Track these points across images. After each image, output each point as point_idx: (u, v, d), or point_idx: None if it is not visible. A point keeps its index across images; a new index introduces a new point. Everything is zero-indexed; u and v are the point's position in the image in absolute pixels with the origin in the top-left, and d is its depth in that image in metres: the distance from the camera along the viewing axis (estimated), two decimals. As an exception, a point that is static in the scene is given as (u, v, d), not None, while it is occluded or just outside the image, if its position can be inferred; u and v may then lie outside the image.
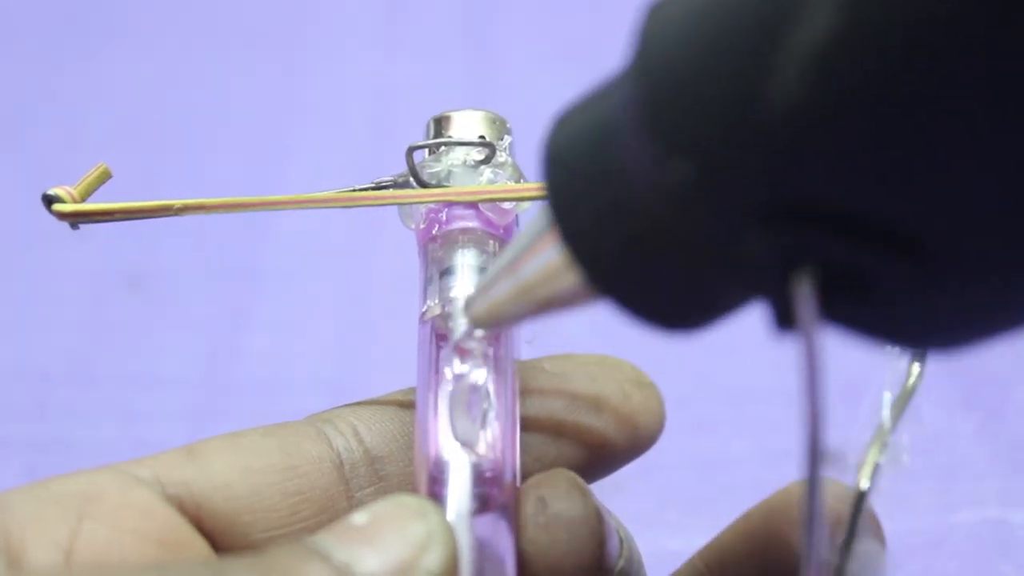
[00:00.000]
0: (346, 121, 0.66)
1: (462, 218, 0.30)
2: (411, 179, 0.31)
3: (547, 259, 0.23)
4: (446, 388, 0.28)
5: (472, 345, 0.28)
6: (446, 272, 0.30)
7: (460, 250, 0.30)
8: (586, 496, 0.27)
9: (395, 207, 0.31)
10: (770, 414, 0.49)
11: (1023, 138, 0.16)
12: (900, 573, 0.43)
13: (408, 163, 0.31)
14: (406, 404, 0.30)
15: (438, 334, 0.29)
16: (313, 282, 0.58)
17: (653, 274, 0.21)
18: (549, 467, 0.28)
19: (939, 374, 0.52)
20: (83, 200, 0.29)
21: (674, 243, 0.20)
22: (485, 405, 0.27)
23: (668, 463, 0.48)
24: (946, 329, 0.19)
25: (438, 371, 0.28)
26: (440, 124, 0.31)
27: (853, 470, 0.23)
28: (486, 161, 0.31)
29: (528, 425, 0.30)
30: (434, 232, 0.30)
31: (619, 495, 0.39)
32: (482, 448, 0.27)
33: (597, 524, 0.27)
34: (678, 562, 0.31)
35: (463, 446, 0.27)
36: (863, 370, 0.24)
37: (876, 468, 0.23)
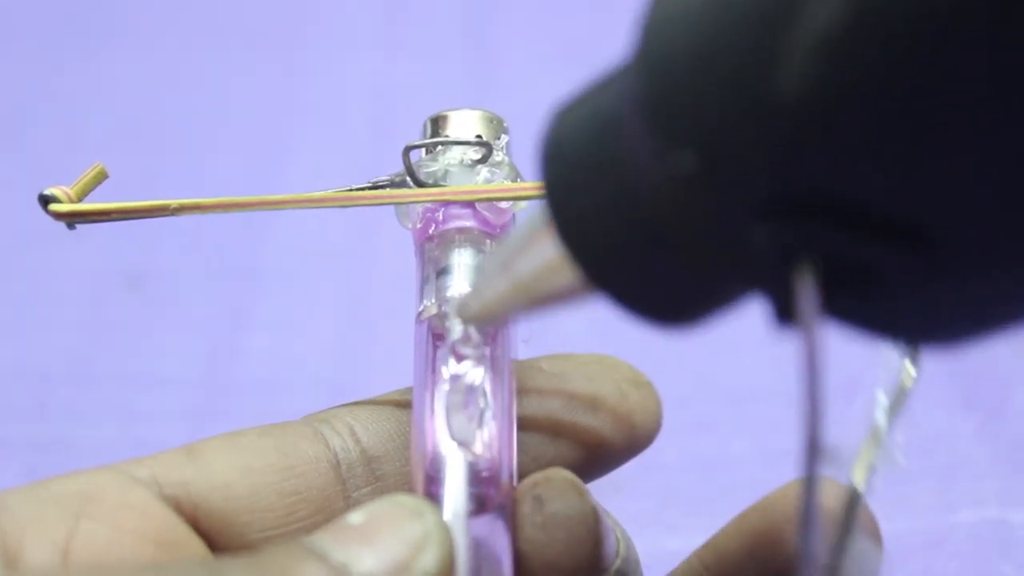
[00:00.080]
0: (346, 121, 0.66)
1: (459, 217, 0.30)
2: (408, 179, 0.31)
3: (543, 255, 0.23)
4: (442, 388, 0.28)
5: (469, 345, 0.28)
6: (443, 272, 0.30)
7: (457, 249, 0.30)
8: (583, 495, 0.27)
9: (392, 207, 0.31)
10: (770, 414, 0.49)
11: None
12: (900, 573, 0.43)
13: (405, 162, 0.31)
14: (403, 404, 0.30)
15: (435, 334, 0.29)
16: (313, 282, 0.58)
17: (652, 269, 0.21)
18: (546, 467, 0.28)
19: (939, 374, 0.52)
20: (80, 200, 0.29)
21: (674, 237, 0.20)
22: (482, 404, 0.27)
23: (667, 463, 0.48)
24: (948, 324, 0.19)
25: (435, 371, 0.28)
26: (437, 123, 0.32)
27: (849, 467, 0.23)
28: (483, 160, 0.31)
29: (525, 424, 0.30)
30: (431, 232, 0.30)
31: (618, 495, 0.39)
32: (479, 448, 0.27)
33: (594, 523, 0.27)
34: (677, 562, 0.31)
35: (459, 445, 0.27)
36: (861, 368, 0.24)
37: (871, 467, 0.23)
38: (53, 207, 0.29)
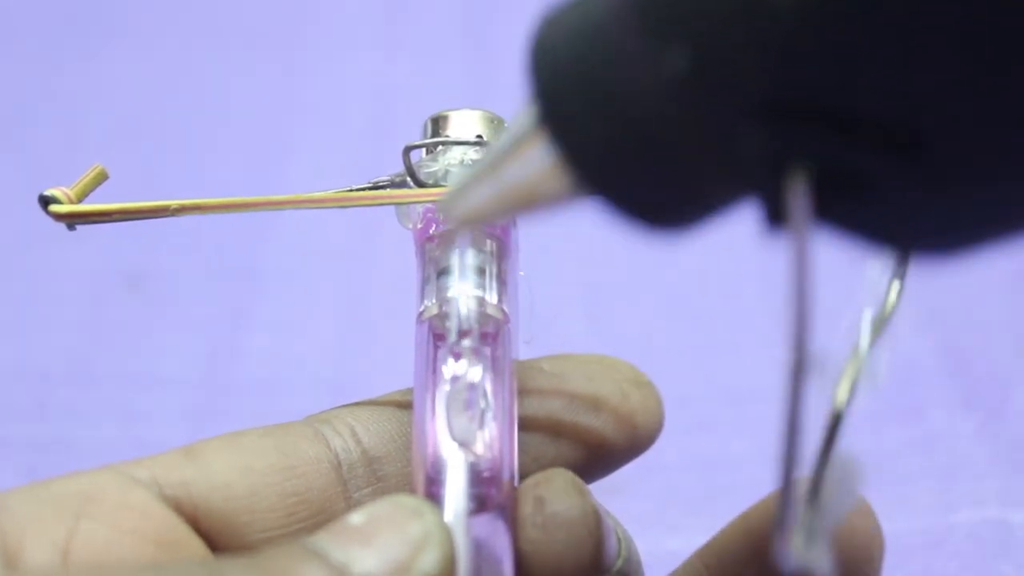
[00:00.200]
0: (346, 121, 0.66)
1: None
2: (408, 179, 0.31)
3: (533, 161, 0.22)
4: (443, 388, 0.28)
5: (468, 346, 0.28)
6: (443, 272, 0.30)
7: (457, 250, 0.30)
8: (584, 496, 0.27)
9: (393, 207, 0.31)
10: (770, 414, 0.49)
11: (1017, 35, 0.16)
12: (900, 573, 0.43)
13: (405, 163, 0.31)
14: (404, 404, 0.30)
15: (435, 334, 0.29)
16: (313, 282, 0.58)
17: (645, 171, 0.21)
18: (547, 467, 0.28)
19: (939, 374, 0.52)
20: (80, 201, 0.29)
21: (667, 137, 0.20)
22: (483, 405, 0.27)
23: (668, 463, 0.48)
24: (936, 233, 0.19)
25: (435, 371, 0.28)
26: (437, 124, 0.32)
27: (834, 378, 0.23)
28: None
29: (526, 425, 0.30)
30: (431, 232, 0.30)
31: (619, 496, 0.39)
32: (479, 448, 0.27)
33: (595, 524, 0.27)
34: (678, 562, 0.31)
35: (460, 446, 0.27)
36: (847, 289, 0.24)
37: (853, 386, 0.23)
38: (53, 208, 0.29)
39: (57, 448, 0.49)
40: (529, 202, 0.23)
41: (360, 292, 0.57)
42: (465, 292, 0.29)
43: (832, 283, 0.21)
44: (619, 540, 0.29)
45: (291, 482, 0.28)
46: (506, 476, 0.27)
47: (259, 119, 0.67)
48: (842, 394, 0.23)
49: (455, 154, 0.31)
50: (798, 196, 0.18)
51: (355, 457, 0.29)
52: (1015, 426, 0.50)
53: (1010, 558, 0.44)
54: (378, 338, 0.54)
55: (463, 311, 0.29)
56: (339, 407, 0.30)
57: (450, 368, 0.28)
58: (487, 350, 0.28)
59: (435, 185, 0.31)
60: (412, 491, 0.27)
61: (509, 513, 0.27)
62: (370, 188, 0.31)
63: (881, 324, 0.24)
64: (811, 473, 0.22)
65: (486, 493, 0.27)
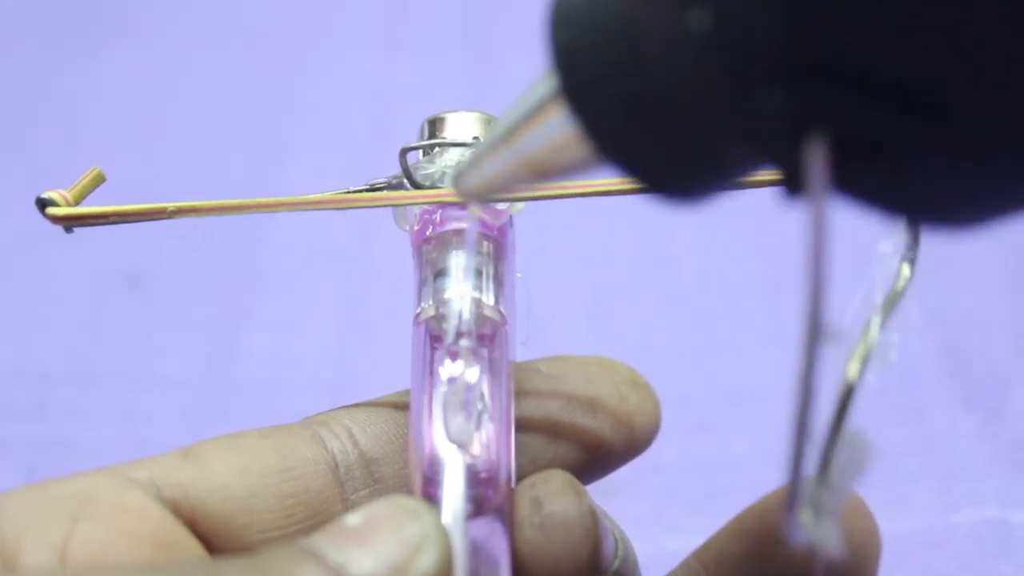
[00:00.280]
0: (346, 121, 0.66)
1: (456, 219, 0.30)
2: (405, 181, 0.31)
3: (552, 130, 0.22)
4: (440, 389, 0.28)
5: (465, 347, 0.28)
6: (440, 273, 0.30)
7: (454, 251, 0.30)
8: (581, 497, 0.27)
9: (390, 209, 0.31)
10: (770, 414, 0.49)
11: None
12: (900, 573, 0.43)
13: (402, 165, 0.31)
14: (401, 406, 0.30)
15: (432, 335, 0.29)
16: (313, 282, 0.58)
17: (665, 137, 0.20)
18: (545, 468, 0.28)
19: (939, 374, 0.52)
20: (77, 203, 0.29)
21: (688, 102, 0.20)
22: (479, 406, 0.27)
23: (667, 463, 0.48)
24: (956, 200, 0.19)
25: (432, 372, 0.28)
26: (434, 125, 0.32)
27: (847, 347, 0.23)
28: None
29: (524, 426, 0.30)
30: (428, 233, 0.30)
31: (617, 497, 0.39)
32: (476, 449, 0.27)
33: (592, 525, 0.27)
34: (676, 563, 0.31)
35: (457, 447, 0.27)
36: (861, 265, 0.24)
37: (864, 362, 0.23)
38: (51, 211, 0.29)
39: (57, 448, 0.49)
40: (546, 172, 0.23)
41: (360, 292, 0.57)
42: (462, 294, 0.29)
43: (847, 257, 0.21)
44: (616, 541, 0.29)
45: (289, 484, 0.28)
46: (503, 477, 0.27)
47: (259, 119, 0.67)
48: (853, 369, 0.23)
49: (452, 156, 0.31)
50: (817, 160, 0.18)
51: (352, 459, 0.29)
52: (1015, 426, 0.50)
53: (1010, 558, 0.44)
54: (378, 338, 0.54)
55: (460, 313, 0.29)
56: (336, 409, 0.30)
57: (447, 369, 0.28)
58: (484, 351, 0.28)
59: (432, 187, 0.31)
60: (409, 492, 0.27)
61: (506, 514, 0.27)
62: (367, 190, 0.31)
63: (892, 303, 0.24)
64: (820, 450, 0.22)
65: (483, 494, 0.27)
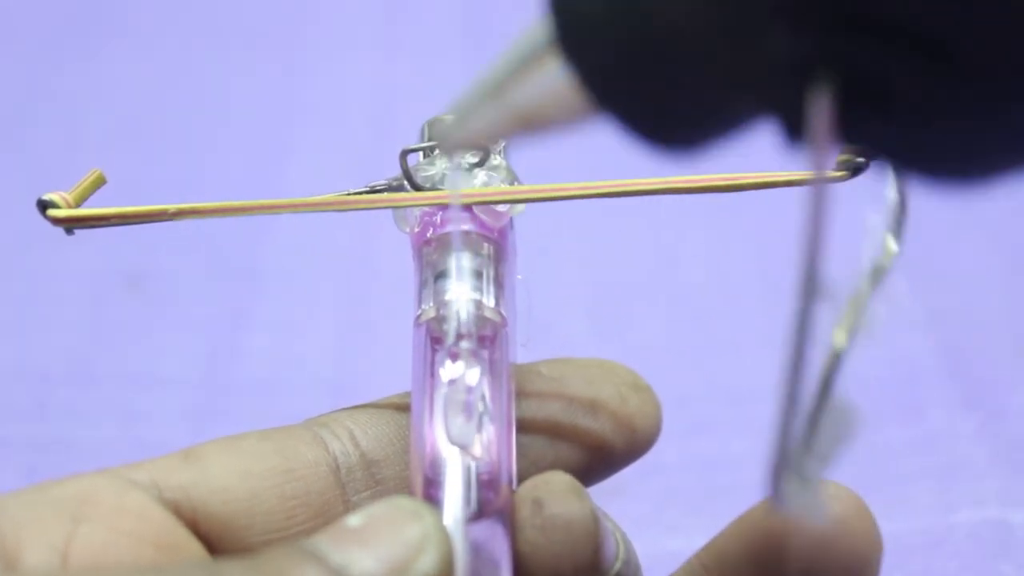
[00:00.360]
0: (346, 121, 0.66)
1: (455, 221, 0.30)
2: (405, 182, 0.31)
3: (544, 81, 0.22)
4: (441, 391, 0.28)
5: (466, 348, 0.28)
6: (440, 275, 0.30)
7: (454, 253, 0.30)
8: (582, 498, 0.27)
9: (390, 210, 0.31)
10: (770, 414, 0.49)
11: None
12: (900, 573, 0.43)
13: (402, 166, 0.31)
14: (402, 408, 0.30)
15: (433, 337, 0.29)
16: (313, 282, 0.58)
17: (663, 86, 0.20)
18: (546, 470, 0.28)
19: (939, 374, 0.52)
20: (78, 205, 0.29)
21: (688, 44, 0.19)
22: (480, 408, 0.27)
23: (667, 464, 0.48)
24: (960, 151, 0.19)
25: (433, 374, 0.28)
26: (434, 127, 0.32)
27: (842, 306, 0.23)
28: (480, 164, 0.31)
29: (525, 428, 0.30)
30: (428, 235, 0.30)
31: (618, 498, 0.39)
32: (478, 451, 0.27)
33: (593, 526, 0.27)
34: (678, 563, 0.31)
35: (459, 449, 0.27)
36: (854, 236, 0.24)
37: (852, 330, 0.23)
38: (52, 212, 0.29)
39: (57, 448, 0.49)
40: (538, 124, 0.23)
41: (360, 292, 0.57)
42: (462, 295, 0.29)
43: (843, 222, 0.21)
44: (617, 542, 0.29)
45: (290, 485, 0.28)
46: (504, 479, 0.27)
47: (259, 119, 0.67)
48: (840, 337, 0.23)
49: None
50: (821, 106, 0.18)
51: (353, 460, 0.29)
52: (1015, 426, 0.50)
53: (1010, 558, 0.44)
54: (378, 339, 0.54)
55: (460, 314, 0.29)
56: (337, 410, 0.30)
57: (448, 371, 0.28)
58: (485, 353, 0.28)
59: (432, 189, 0.31)
60: (410, 494, 0.27)
61: (507, 516, 0.27)
62: (367, 192, 0.31)
63: (880, 274, 0.24)
64: (807, 419, 0.22)
65: (484, 496, 0.27)
